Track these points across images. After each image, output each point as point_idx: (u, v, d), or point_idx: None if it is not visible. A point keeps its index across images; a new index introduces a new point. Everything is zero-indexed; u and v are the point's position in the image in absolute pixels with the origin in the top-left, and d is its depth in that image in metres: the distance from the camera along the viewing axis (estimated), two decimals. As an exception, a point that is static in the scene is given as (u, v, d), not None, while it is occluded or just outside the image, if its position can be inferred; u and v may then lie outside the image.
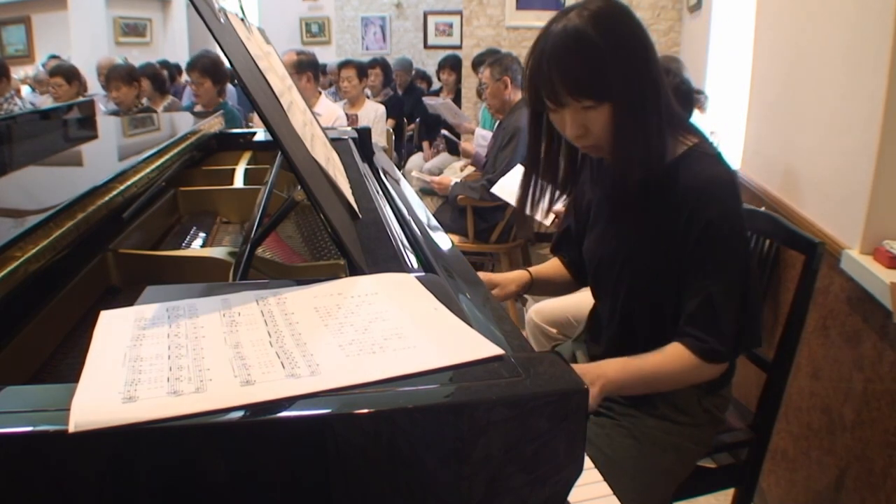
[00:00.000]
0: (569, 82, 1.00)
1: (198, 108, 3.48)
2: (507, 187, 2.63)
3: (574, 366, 1.13)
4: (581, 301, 1.83)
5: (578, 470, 0.53)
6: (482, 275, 1.32)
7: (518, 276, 1.38)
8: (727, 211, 1.06)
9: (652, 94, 1.05)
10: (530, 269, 1.40)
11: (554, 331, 1.79)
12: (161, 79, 4.21)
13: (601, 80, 1.00)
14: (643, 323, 1.18)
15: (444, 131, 4.49)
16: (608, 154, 1.10)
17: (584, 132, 1.05)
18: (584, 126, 1.05)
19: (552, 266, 1.44)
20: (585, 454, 0.60)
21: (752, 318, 1.13)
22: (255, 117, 3.58)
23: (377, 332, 0.57)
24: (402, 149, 5.54)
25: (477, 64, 3.93)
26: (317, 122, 1.28)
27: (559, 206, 1.34)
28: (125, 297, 0.97)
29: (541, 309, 1.85)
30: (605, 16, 1.01)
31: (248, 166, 1.63)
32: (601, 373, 1.08)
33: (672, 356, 1.10)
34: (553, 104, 1.04)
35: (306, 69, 3.58)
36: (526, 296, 1.54)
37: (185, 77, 5.29)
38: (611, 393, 1.11)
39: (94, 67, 5.57)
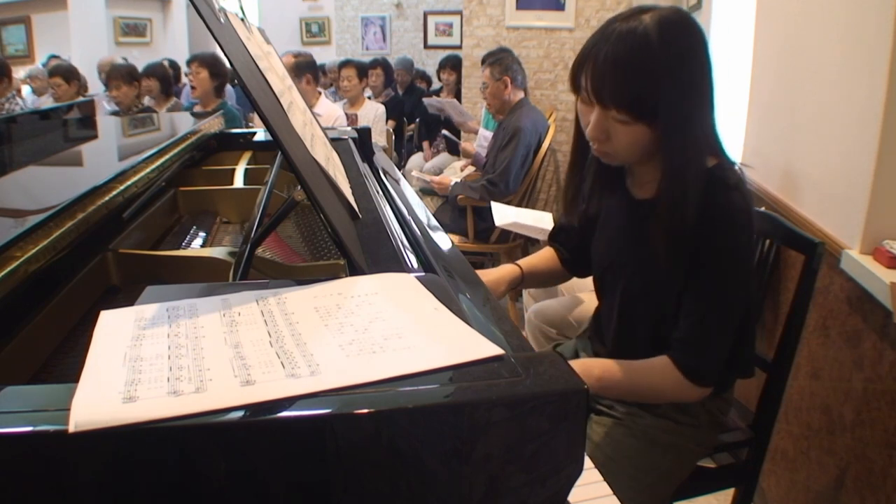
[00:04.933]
0: (616, 88, 0.98)
1: (197, 108, 3.49)
2: (505, 213, 2.63)
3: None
4: (581, 302, 1.83)
5: (578, 470, 0.53)
6: None
7: (508, 273, 1.35)
8: (737, 243, 1.05)
9: (699, 115, 1.02)
10: (520, 262, 1.38)
11: (554, 331, 1.79)
12: (169, 80, 4.18)
13: (647, 100, 0.98)
14: (643, 326, 1.19)
15: (444, 131, 4.49)
16: (615, 163, 1.10)
17: (605, 138, 1.05)
18: (606, 133, 1.04)
19: (543, 257, 1.43)
20: (585, 454, 0.60)
21: (747, 350, 1.14)
22: (255, 117, 3.58)
23: (377, 332, 0.57)
24: (402, 149, 5.53)
25: (485, 61, 3.93)
26: (317, 122, 1.28)
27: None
28: (125, 297, 0.97)
29: (541, 309, 1.85)
30: (673, 29, 0.98)
31: (248, 166, 1.63)
32: (587, 370, 1.11)
33: (658, 368, 1.11)
34: (591, 98, 1.02)
35: (305, 71, 3.59)
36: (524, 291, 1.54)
37: (184, 77, 5.27)
38: (594, 391, 1.13)
39: (95, 67, 5.56)
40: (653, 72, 0.96)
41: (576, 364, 1.14)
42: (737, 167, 1.11)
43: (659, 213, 1.06)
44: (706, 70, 1.02)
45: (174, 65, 5.77)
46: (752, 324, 1.15)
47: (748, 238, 1.08)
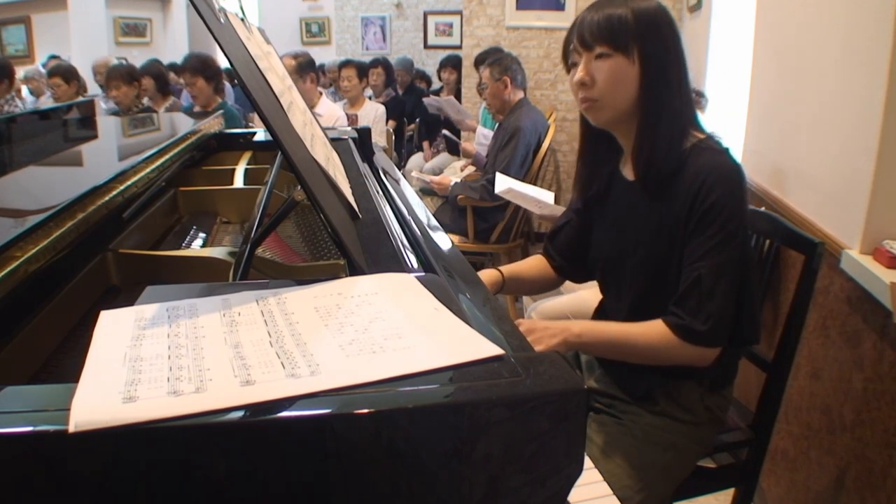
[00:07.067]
0: (595, 27, 1.10)
1: (197, 109, 3.48)
2: (507, 183, 2.66)
3: (542, 321, 1.14)
4: (581, 300, 1.83)
5: (578, 470, 0.53)
6: None
7: (487, 278, 1.33)
8: (728, 197, 1.07)
9: (677, 78, 1.12)
10: (502, 267, 1.37)
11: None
12: (164, 79, 4.17)
13: (621, 32, 1.08)
14: (650, 315, 1.18)
15: (444, 131, 4.48)
16: (603, 116, 1.14)
17: (591, 82, 1.11)
18: (591, 75, 1.11)
19: (529, 264, 1.42)
20: (585, 454, 0.60)
21: (748, 312, 1.13)
22: (255, 117, 3.58)
23: (377, 332, 0.57)
24: (403, 149, 5.53)
25: (479, 62, 3.93)
26: (317, 122, 1.28)
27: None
28: (125, 297, 0.97)
29: (541, 309, 1.85)
30: (649, 7, 1.10)
31: (248, 166, 1.63)
32: (566, 327, 1.12)
33: (649, 329, 1.12)
34: (579, 49, 1.12)
35: (308, 71, 3.58)
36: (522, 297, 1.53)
37: (175, 77, 5.26)
38: (574, 347, 1.15)
39: (91, 68, 5.56)
40: (627, 18, 1.08)
41: (554, 322, 1.13)
42: (718, 139, 1.16)
43: (636, 159, 1.13)
44: (678, 42, 1.12)
45: (164, 65, 5.77)
46: (752, 288, 1.13)
47: (741, 196, 1.09)
